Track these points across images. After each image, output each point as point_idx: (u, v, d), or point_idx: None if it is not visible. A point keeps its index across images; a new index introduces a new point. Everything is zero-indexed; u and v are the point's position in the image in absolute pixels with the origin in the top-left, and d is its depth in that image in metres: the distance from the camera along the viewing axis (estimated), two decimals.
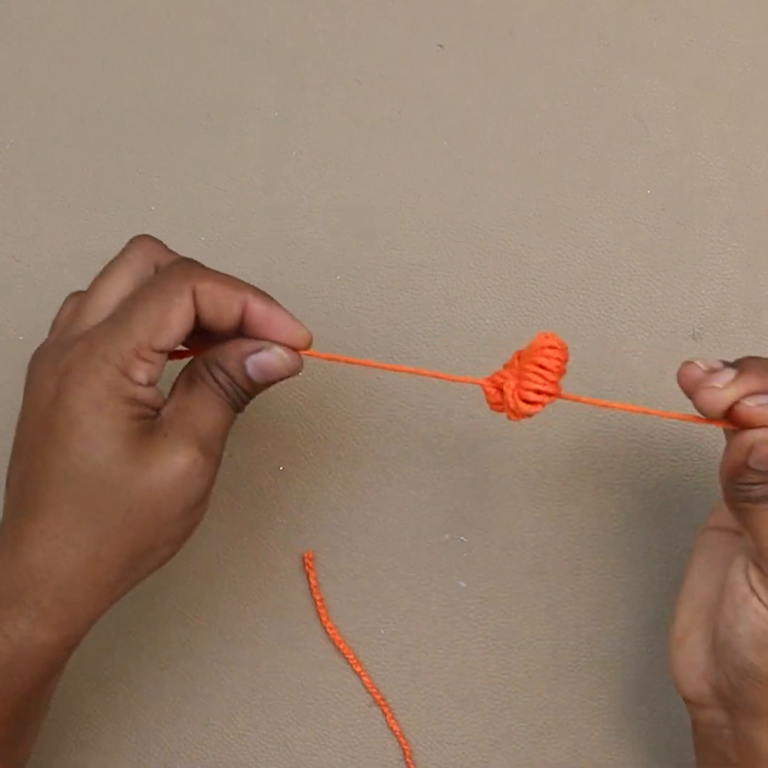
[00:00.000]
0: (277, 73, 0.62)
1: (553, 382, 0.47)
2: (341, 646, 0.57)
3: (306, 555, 0.57)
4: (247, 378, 0.48)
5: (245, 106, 0.62)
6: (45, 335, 0.60)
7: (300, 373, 0.49)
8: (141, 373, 0.46)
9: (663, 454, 0.58)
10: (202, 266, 0.48)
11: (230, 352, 0.48)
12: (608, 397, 0.59)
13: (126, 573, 0.47)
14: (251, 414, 0.58)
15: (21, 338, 0.60)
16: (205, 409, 0.48)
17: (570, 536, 0.58)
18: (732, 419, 0.46)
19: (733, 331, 0.60)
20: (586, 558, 0.58)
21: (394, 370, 0.50)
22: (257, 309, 0.48)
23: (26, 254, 0.61)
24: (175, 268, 0.48)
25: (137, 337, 0.46)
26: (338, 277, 0.60)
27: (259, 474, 0.58)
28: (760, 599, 0.47)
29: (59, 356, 0.47)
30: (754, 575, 0.47)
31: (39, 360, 0.48)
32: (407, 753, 0.57)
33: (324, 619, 0.57)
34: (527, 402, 0.47)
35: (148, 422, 0.47)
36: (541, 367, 0.47)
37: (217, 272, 0.48)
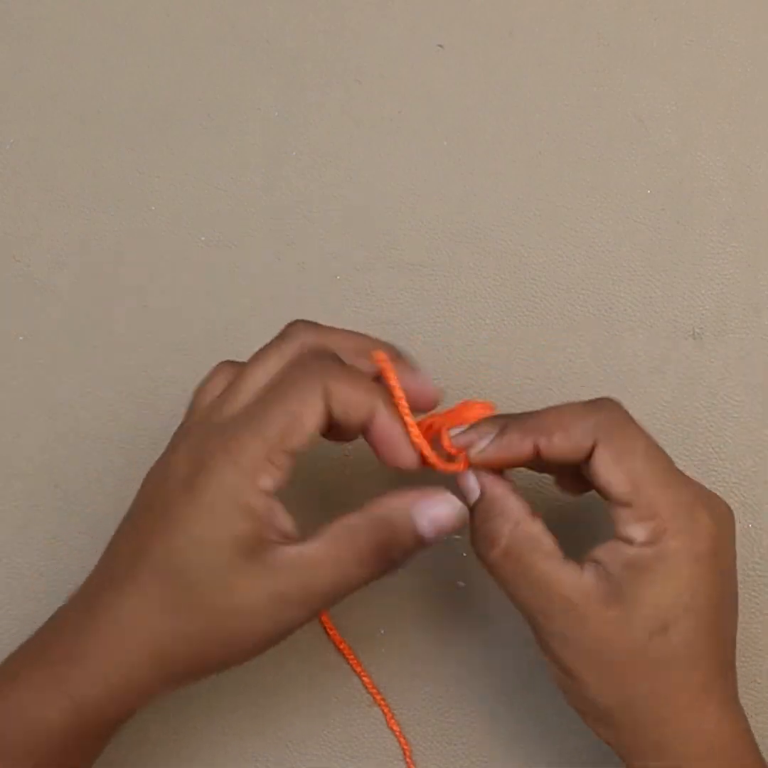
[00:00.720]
0: (277, 73, 0.62)
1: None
2: (341, 646, 0.57)
3: None
4: (418, 537, 0.47)
5: (245, 106, 0.62)
6: (45, 335, 0.60)
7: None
8: (268, 481, 0.45)
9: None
10: (338, 363, 0.47)
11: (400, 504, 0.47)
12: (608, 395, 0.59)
13: (188, 671, 0.47)
14: None
15: (21, 338, 0.60)
16: (335, 566, 0.46)
17: (570, 536, 0.58)
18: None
19: (733, 331, 0.60)
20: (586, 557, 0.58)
21: None
22: (382, 424, 0.47)
23: (26, 254, 0.61)
24: (312, 365, 0.47)
25: (270, 439, 0.45)
26: (338, 277, 0.60)
27: None
28: (543, 652, 0.48)
29: (198, 446, 0.46)
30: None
31: (183, 438, 0.48)
32: (407, 753, 0.57)
33: (324, 619, 0.57)
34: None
35: (261, 542, 0.46)
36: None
37: (352, 372, 0.47)
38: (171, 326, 0.60)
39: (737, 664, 0.51)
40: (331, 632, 0.57)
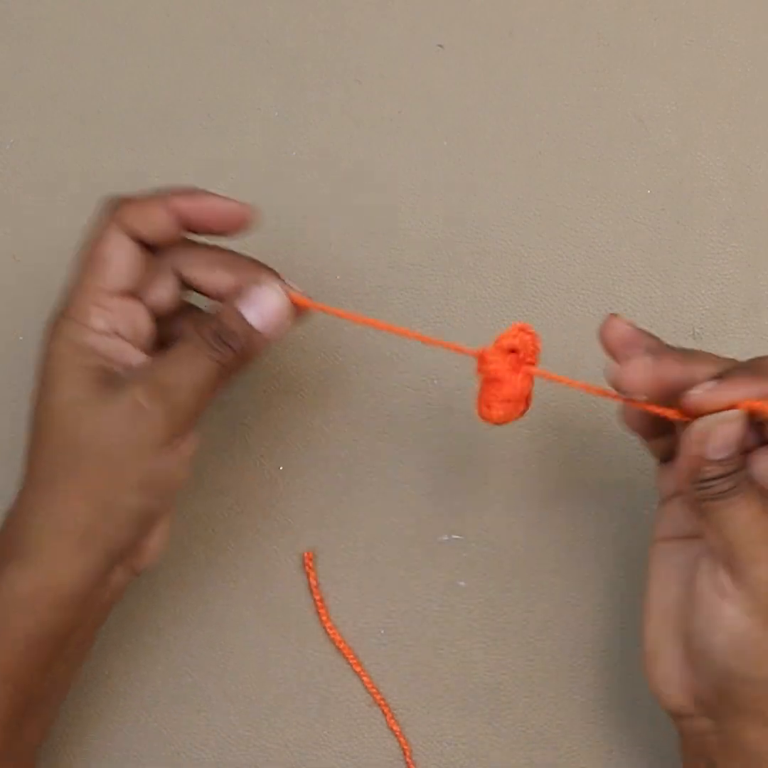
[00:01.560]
0: (277, 73, 0.62)
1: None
2: (341, 646, 0.57)
3: (306, 555, 0.57)
4: (246, 328, 0.48)
5: (245, 106, 0.62)
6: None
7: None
8: (99, 321, 0.48)
9: None
10: (127, 197, 0.49)
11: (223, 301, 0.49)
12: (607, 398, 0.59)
13: (93, 521, 0.47)
14: (250, 415, 0.58)
15: (21, 338, 0.60)
16: (179, 361, 0.48)
17: (570, 537, 0.58)
18: (683, 411, 0.46)
19: (733, 331, 0.60)
20: (586, 558, 0.58)
21: (396, 333, 0.51)
22: (184, 207, 0.49)
23: (26, 254, 0.61)
24: (102, 212, 0.49)
25: (87, 286, 0.48)
26: (338, 277, 0.60)
27: (258, 474, 0.58)
28: (732, 603, 0.45)
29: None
30: (724, 579, 0.45)
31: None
32: (407, 753, 0.57)
33: (324, 619, 0.57)
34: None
35: (112, 373, 0.48)
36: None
37: (142, 194, 0.49)
38: None
39: None
40: (331, 632, 0.57)
